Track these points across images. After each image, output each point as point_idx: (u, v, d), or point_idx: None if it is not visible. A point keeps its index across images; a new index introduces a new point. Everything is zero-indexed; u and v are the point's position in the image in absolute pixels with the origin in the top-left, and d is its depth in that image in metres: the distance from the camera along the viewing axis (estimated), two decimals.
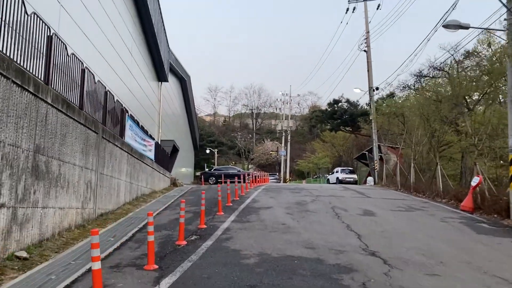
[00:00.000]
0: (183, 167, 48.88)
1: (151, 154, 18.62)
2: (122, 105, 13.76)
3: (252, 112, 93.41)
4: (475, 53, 20.35)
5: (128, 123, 14.40)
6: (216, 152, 64.24)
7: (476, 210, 12.24)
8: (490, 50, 17.03)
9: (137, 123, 15.95)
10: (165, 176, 22.25)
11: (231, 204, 12.73)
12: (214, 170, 32.05)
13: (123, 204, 13.34)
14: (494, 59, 15.37)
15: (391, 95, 33.73)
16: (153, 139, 19.57)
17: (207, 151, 62.79)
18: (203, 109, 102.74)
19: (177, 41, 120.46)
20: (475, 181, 12.71)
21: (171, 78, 38.71)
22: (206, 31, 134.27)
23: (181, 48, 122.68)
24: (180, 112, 44.75)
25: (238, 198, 14.39)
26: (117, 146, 12.45)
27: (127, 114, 14.26)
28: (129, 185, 14.08)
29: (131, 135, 14.83)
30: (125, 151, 13.43)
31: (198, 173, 38.51)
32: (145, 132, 17.55)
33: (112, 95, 12.48)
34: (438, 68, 22.41)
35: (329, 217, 10.47)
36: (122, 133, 13.61)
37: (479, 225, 10.17)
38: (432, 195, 16.29)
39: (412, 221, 10.44)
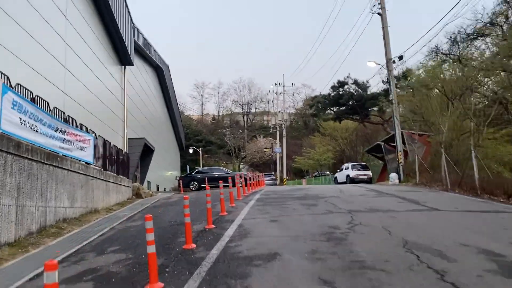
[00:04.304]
0: (167, 171, 42.35)
1: (86, 155, 12.20)
2: None
3: (242, 108, 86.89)
4: None
5: (10, 97, 7.95)
6: (202, 152, 57.31)
7: None
8: None
9: (32, 100, 9.44)
10: (120, 185, 15.77)
11: (193, 247, 6.28)
12: (196, 172, 25.51)
13: None
14: None
15: (409, 71, 27.66)
16: (91, 133, 13.12)
17: (195, 151, 56.02)
18: (190, 107, 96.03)
19: (158, 36, 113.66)
20: None
21: (144, 66, 32.13)
22: (189, 24, 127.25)
23: (162, 43, 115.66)
24: (159, 108, 38.20)
25: (212, 226, 7.95)
26: None
27: (1, 81, 7.81)
28: (15, 209, 7.69)
29: (20, 121, 8.39)
30: None
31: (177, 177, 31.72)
32: (65, 120, 11.11)
33: None
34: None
35: None
36: None
37: None
38: None
39: None
